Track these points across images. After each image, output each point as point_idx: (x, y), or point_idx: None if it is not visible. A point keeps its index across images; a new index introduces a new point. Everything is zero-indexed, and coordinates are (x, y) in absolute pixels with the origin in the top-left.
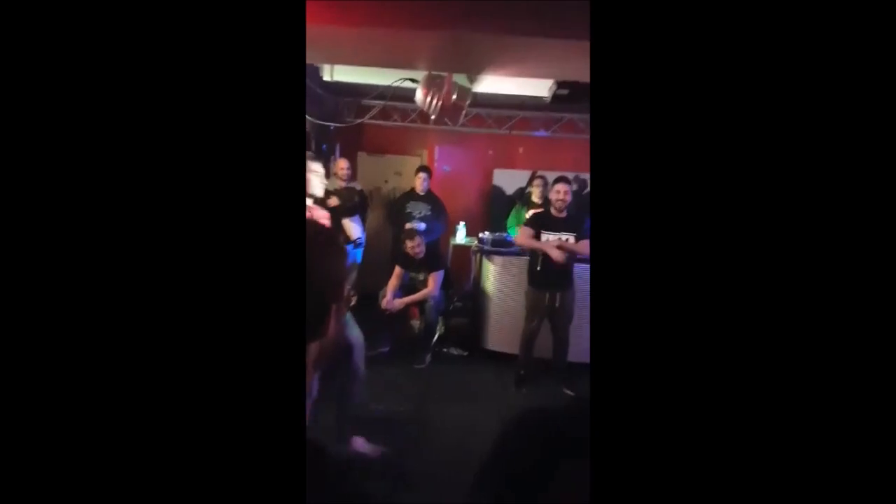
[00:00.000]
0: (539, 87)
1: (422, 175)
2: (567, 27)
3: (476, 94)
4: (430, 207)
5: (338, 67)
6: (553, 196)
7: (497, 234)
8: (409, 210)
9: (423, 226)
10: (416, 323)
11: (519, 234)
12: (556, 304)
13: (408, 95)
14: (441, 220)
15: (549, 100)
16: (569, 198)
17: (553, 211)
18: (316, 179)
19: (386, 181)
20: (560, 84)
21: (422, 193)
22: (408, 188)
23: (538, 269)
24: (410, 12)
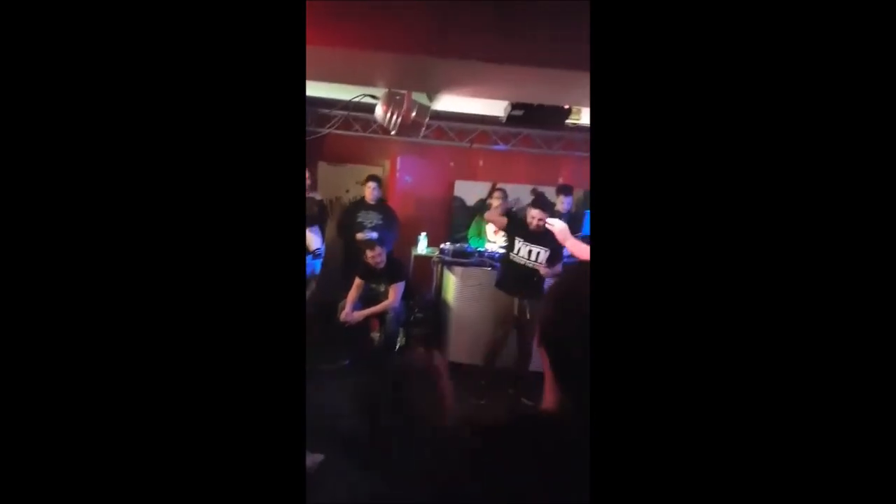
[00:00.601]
0: (495, 108)
1: (371, 184)
2: (522, 54)
3: (435, 112)
4: (381, 216)
5: None
6: (528, 220)
7: (458, 244)
8: (360, 220)
9: (374, 234)
10: (376, 335)
11: (492, 213)
12: (527, 314)
13: (369, 108)
14: (393, 228)
15: (504, 120)
16: (544, 223)
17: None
18: None
19: (347, 191)
20: (514, 105)
21: (372, 202)
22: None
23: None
24: (373, 35)
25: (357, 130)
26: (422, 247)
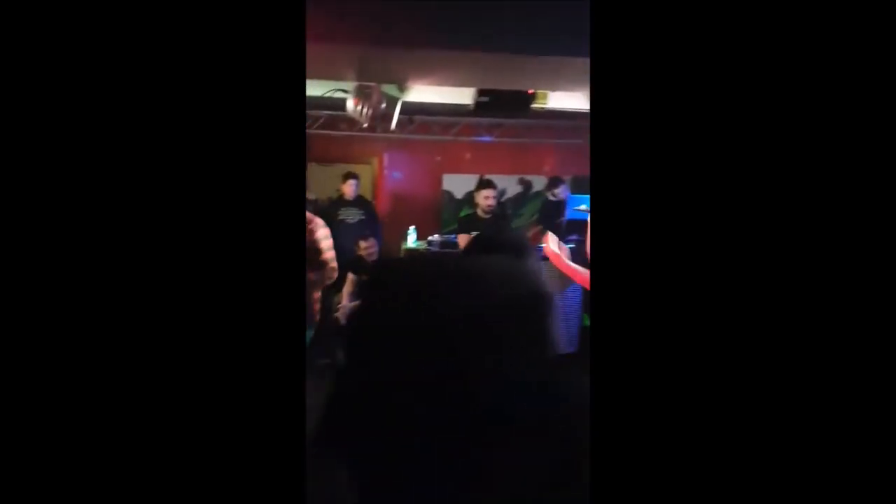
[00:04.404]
0: (463, 95)
1: (351, 181)
2: (485, 40)
3: (408, 104)
4: (361, 212)
5: None
6: (480, 200)
7: (445, 236)
8: (341, 217)
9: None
10: None
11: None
12: None
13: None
14: (376, 221)
15: (472, 107)
16: (493, 202)
17: (480, 212)
18: None
19: (337, 189)
20: (481, 92)
21: (351, 199)
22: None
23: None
24: (338, 28)
25: (343, 130)
26: (411, 240)
